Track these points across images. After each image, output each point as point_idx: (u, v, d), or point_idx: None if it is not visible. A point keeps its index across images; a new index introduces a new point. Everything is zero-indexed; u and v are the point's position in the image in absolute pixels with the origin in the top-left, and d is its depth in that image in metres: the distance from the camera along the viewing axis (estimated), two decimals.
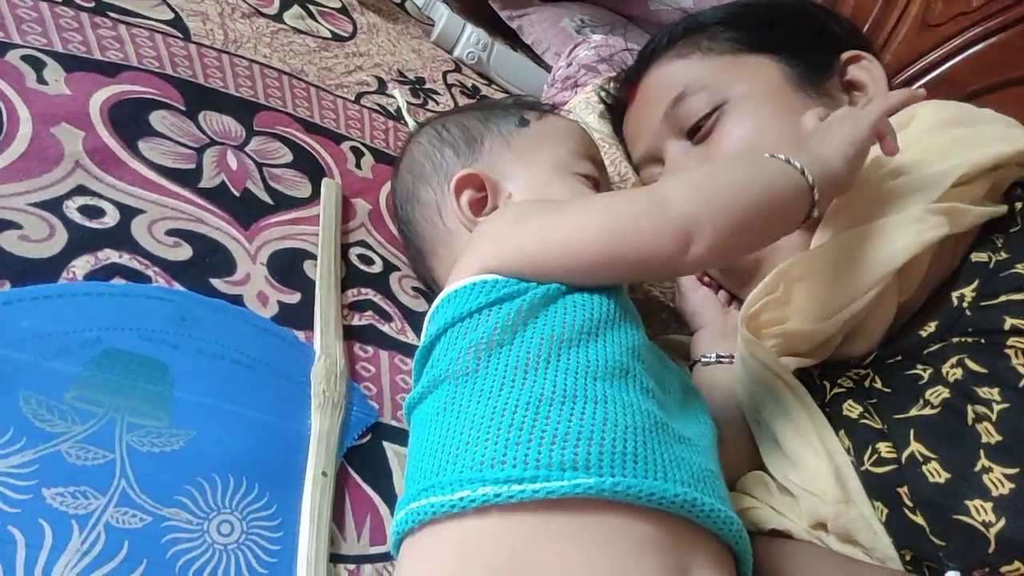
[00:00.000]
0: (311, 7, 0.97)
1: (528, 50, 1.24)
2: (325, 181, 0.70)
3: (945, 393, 0.49)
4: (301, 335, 0.56)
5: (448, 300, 0.48)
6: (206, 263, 0.56)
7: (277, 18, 0.90)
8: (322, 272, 0.61)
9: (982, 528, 0.43)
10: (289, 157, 0.70)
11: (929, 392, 0.50)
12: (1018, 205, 0.56)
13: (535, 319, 0.45)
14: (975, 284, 0.52)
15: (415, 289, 0.68)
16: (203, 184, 0.61)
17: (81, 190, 0.54)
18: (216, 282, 0.55)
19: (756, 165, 0.50)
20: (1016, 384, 0.46)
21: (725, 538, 0.42)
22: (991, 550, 0.43)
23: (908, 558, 0.49)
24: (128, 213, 0.55)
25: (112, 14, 0.71)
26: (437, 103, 0.98)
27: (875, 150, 0.55)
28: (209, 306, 0.52)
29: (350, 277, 0.64)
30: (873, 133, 0.53)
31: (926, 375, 0.51)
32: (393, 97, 0.92)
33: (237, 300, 0.55)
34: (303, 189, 0.68)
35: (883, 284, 0.53)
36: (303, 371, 0.53)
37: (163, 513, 0.40)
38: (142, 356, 0.46)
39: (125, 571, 0.37)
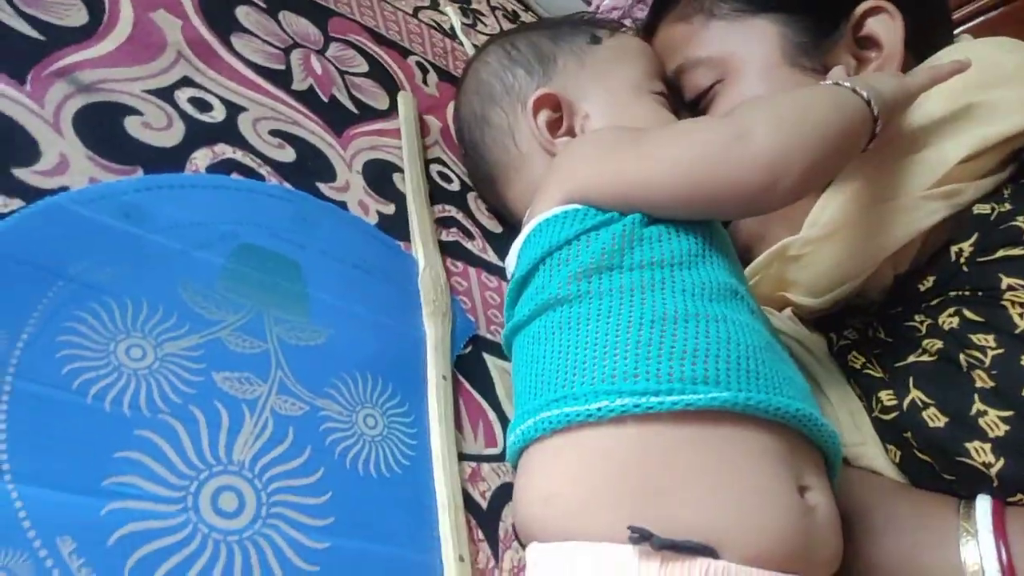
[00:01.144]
0: None
1: None
2: (401, 94, 0.69)
3: (939, 343, 0.51)
4: (402, 245, 0.57)
5: (540, 229, 0.48)
6: (309, 167, 0.55)
7: None
8: (412, 186, 0.61)
9: (983, 468, 0.47)
10: (365, 67, 0.69)
11: (926, 342, 0.52)
12: None
13: (639, 243, 0.46)
14: (974, 238, 0.53)
15: (489, 210, 0.68)
16: (295, 86, 0.60)
17: (187, 81, 0.52)
18: (322, 186, 0.55)
19: (831, 96, 0.49)
20: (1012, 331, 0.48)
21: (826, 450, 0.46)
22: (995, 486, 0.47)
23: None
24: (233, 109, 0.54)
25: None
26: (485, 24, 0.96)
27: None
28: (325, 209, 0.52)
29: (434, 193, 0.64)
30: (918, 94, 0.53)
31: (924, 327, 0.53)
32: (446, 15, 0.90)
33: (343, 206, 0.55)
34: (381, 100, 0.68)
35: (874, 268, 0.56)
36: (411, 280, 0.54)
37: (317, 404, 0.42)
38: (276, 254, 0.46)
39: (293, 455, 0.39)
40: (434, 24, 0.86)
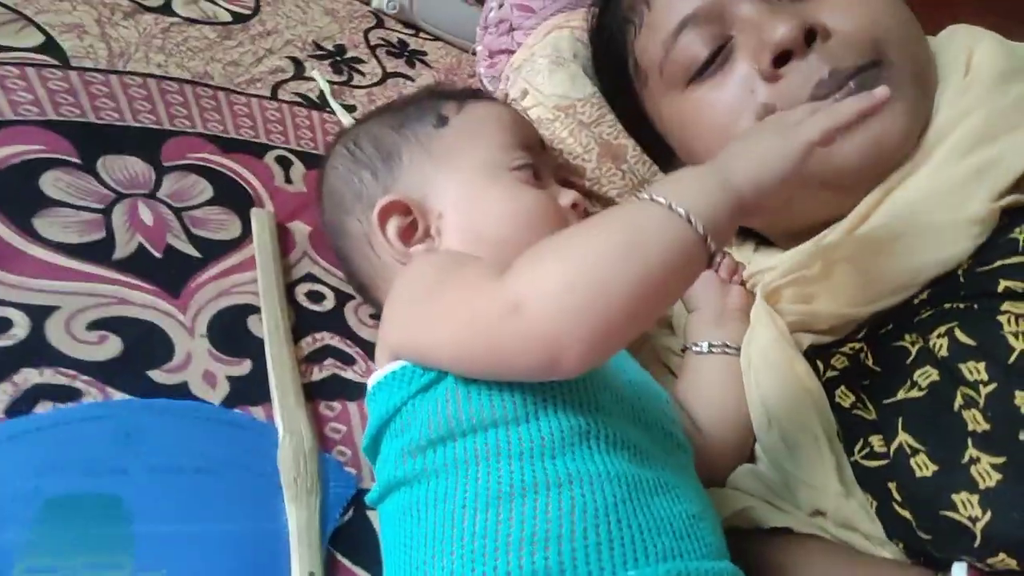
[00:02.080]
0: None
1: None
2: (254, 212, 0.64)
3: (934, 375, 0.47)
4: (260, 412, 0.52)
5: (375, 392, 0.45)
6: (140, 353, 0.51)
7: (165, 9, 0.80)
8: (269, 329, 0.56)
9: (968, 523, 0.42)
10: (209, 192, 0.64)
11: (918, 373, 0.48)
12: None
13: (467, 402, 0.41)
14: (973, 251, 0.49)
15: (374, 317, 0.63)
16: (118, 255, 0.55)
17: None
18: (155, 374, 0.50)
19: (631, 233, 0.38)
20: (1005, 360, 0.44)
21: None
22: (976, 544, 0.42)
23: (900, 546, 0.49)
24: (39, 316, 0.49)
25: None
26: (363, 74, 0.89)
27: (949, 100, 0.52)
28: (153, 410, 0.48)
29: (301, 322, 0.59)
30: (805, 154, 0.42)
31: (914, 350, 0.49)
32: (313, 79, 0.83)
33: (182, 389, 0.50)
34: (232, 228, 0.62)
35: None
36: (270, 458, 0.49)
37: None
38: (90, 496, 0.42)
39: None
40: (298, 98, 0.80)
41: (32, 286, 0.50)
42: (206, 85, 0.73)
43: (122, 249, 0.56)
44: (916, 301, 0.51)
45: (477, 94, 0.64)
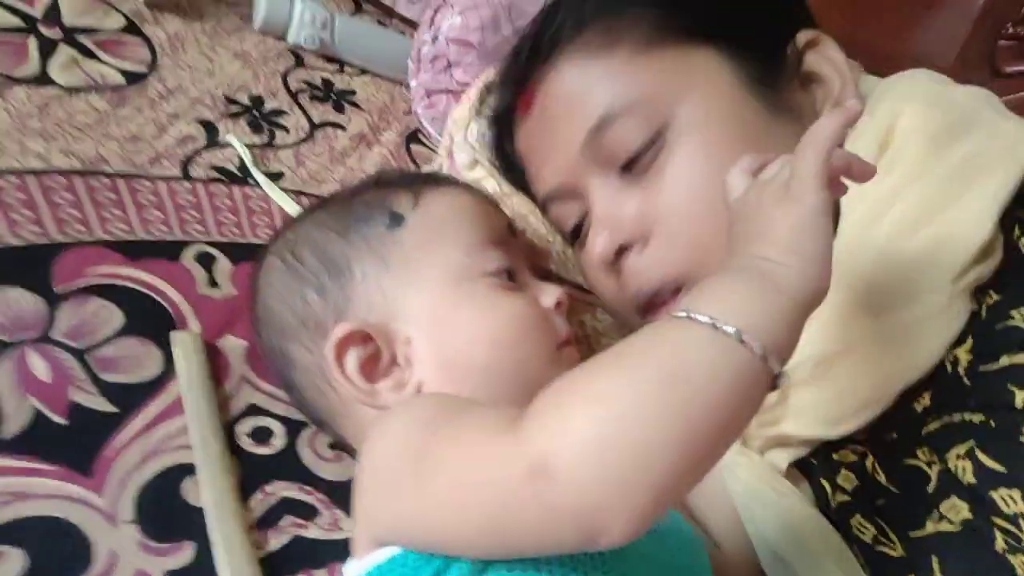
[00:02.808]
0: (84, 39, 0.73)
1: (375, 2, 1.02)
2: (174, 337, 0.53)
3: (964, 510, 0.42)
4: None
5: None
6: (49, 569, 0.40)
7: (41, 79, 0.67)
8: (210, 497, 0.47)
9: None
10: (118, 320, 0.53)
11: (945, 505, 0.43)
12: (1016, 233, 0.46)
13: None
14: (969, 343, 0.44)
15: (333, 447, 0.54)
16: (8, 431, 0.44)
17: None
18: None
19: (671, 363, 0.30)
20: None
21: None
22: None
23: None
24: None
25: None
26: (287, 130, 0.78)
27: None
28: None
29: (247, 472, 0.50)
30: (825, 189, 0.35)
31: (933, 473, 0.44)
32: (230, 146, 0.72)
33: None
34: (151, 363, 0.52)
35: (906, 387, 0.44)
36: None
37: None
38: None
39: None
40: (215, 172, 0.68)
41: None
42: (101, 174, 0.61)
43: (12, 424, 0.45)
44: (919, 408, 0.46)
45: (432, 179, 0.55)
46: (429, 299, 0.46)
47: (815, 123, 0.36)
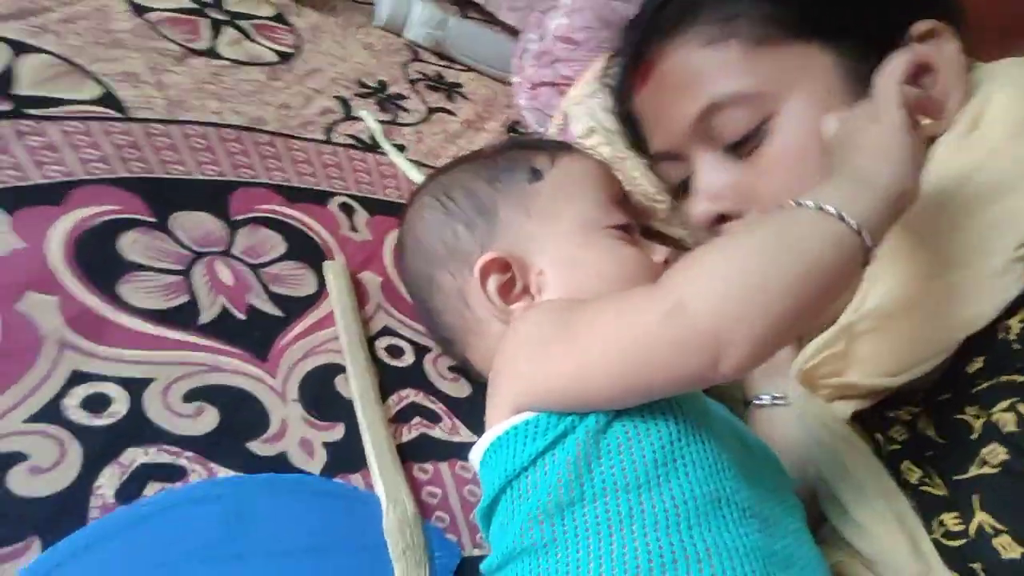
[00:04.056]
0: (243, 23, 0.85)
1: (478, 8, 1.13)
2: (327, 265, 0.63)
3: (1003, 454, 0.46)
4: (359, 479, 0.51)
5: (494, 450, 0.43)
6: (237, 424, 0.49)
7: (212, 53, 0.78)
8: (360, 392, 0.55)
9: None
10: (282, 247, 0.62)
11: (986, 451, 0.47)
12: None
13: (597, 462, 0.40)
14: (1021, 314, 0.47)
15: (452, 369, 0.62)
16: (204, 318, 0.54)
17: (78, 378, 0.46)
18: (254, 446, 0.49)
19: (784, 232, 0.40)
20: None
21: None
22: None
23: None
24: (137, 389, 0.48)
25: (33, 111, 0.60)
26: (407, 111, 0.88)
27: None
28: (260, 487, 0.46)
29: (385, 379, 0.58)
30: (902, 108, 0.43)
31: (977, 424, 0.48)
32: (360, 119, 0.82)
33: (282, 461, 0.49)
34: (308, 283, 0.61)
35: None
36: (376, 530, 0.48)
37: None
38: None
39: None
40: (352, 140, 0.79)
41: (126, 357, 0.49)
42: (263, 131, 0.72)
43: (207, 313, 0.54)
44: (971, 370, 0.50)
45: (565, 146, 0.63)
46: (562, 241, 0.54)
47: (890, 59, 0.44)
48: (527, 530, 0.40)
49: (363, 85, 0.88)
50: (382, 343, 0.61)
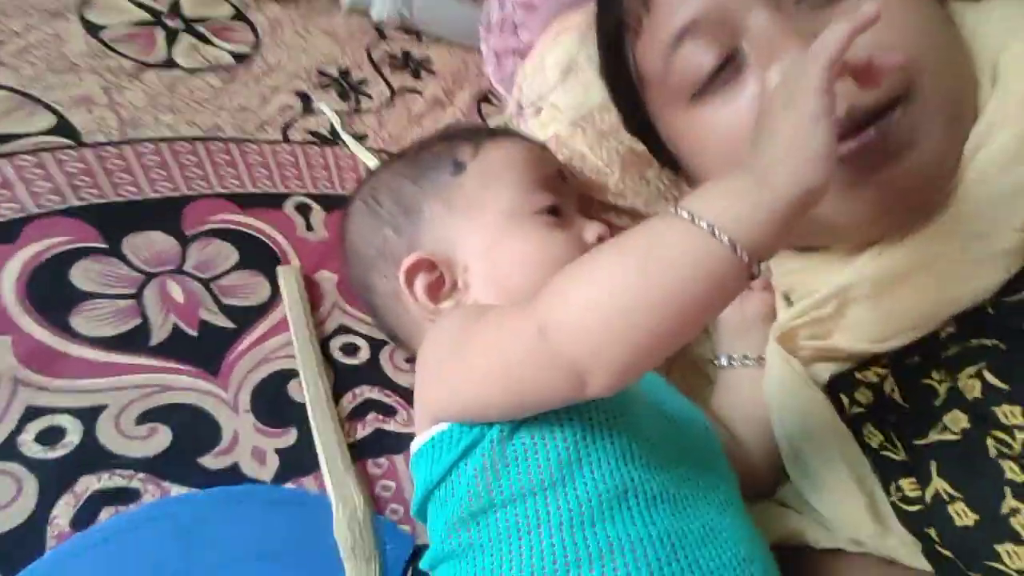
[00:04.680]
0: (200, 27, 0.85)
1: None
2: (280, 270, 0.64)
3: (964, 421, 0.45)
4: (311, 481, 0.53)
5: (418, 459, 0.45)
6: (189, 441, 0.52)
7: (168, 64, 0.79)
8: (310, 394, 0.57)
9: (1016, 575, 0.41)
10: (234, 256, 0.64)
11: (948, 417, 0.46)
12: None
13: (505, 470, 0.41)
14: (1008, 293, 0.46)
15: (408, 361, 0.63)
16: (155, 339, 0.56)
17: (32, 413, 0.50)
18: (206, 460, 0.51)
19: (652, 250, 0.36)
20: None
21: None
22: None
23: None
24: (89, 417, 0.51)
25: None
26: (370, 97, 0.88)
27: None
28: (211, 502, 0.49)
29: (339, 378, 0.60)
30: (824, 95, 0.36)
31: (942, 389, 0.47)
32: (322, 112, 0.82)
33: (234, 472, 0.52)
34: (261, 290, 0.63)
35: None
36: (328, 531, 0.51)
37: None
38: None
39: None
40: (310, 136, 0.79)
41: (79, 387, 0.52)
42: (218, 139, 0.73)
43: (158, 333, 0.57)
44: (943, 334, 0.48)
45: (491, 133, 0.62)
46: (485, 233, 0.54)
47: (827, 29, 0.37)
48: (447, 536, 0.42)
49: (324, 75, 0.88)
50: (337, 342, 0.63)
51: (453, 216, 0.55)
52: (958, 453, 0.45)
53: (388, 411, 0.60)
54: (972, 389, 0.45)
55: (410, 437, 0.57)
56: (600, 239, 0.56)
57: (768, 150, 0.38)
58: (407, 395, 0.61)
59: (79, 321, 0.55)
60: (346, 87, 0.88)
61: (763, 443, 0.55)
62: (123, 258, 0.60)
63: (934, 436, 0.46)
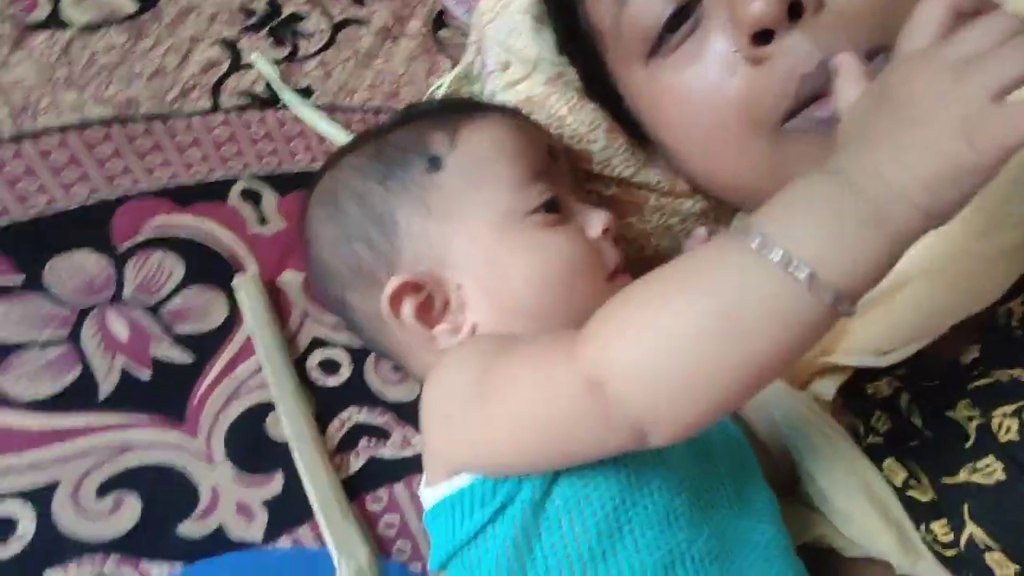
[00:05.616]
0: None
1: None
2: (236, 284, 0.56)
3: (1000, 471, 0.42)
4: (307, 532, 0.48)
5: (436, 515, 0.40)
6: (163, 508, 0.46)
7: (54, 19, 0.65)
8: (291, 431, 0.51)
9: None
10: (180, 270, 0.55)
11: (981, 462, 0.43)
12: None
13: (538, 540, 0.37)
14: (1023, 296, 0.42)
15: (397, 369, 0.57)
16: (103, 391, 0.49)
17: None
18: (186, 528, 0.46)
19: (722, 293, 0.30)
20: None
21: None
22: None
23: None
24: (42, 499, 0.44)
25: None
26: (308, 37, 0.75)
27: None
28: None
29: (321, 404, 0.54)
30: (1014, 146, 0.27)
31: (972, 428, 0.43)
32: (253, 66, 0.70)
33: (219, 537, 0.46)
34: (217, 309, 0.55)
35: (959, 320, 0.43)
36: None
37: None
38: None
39: None
40: (246, 98, 0.68)
41: (23, 464, 0.45)
42: (134, 119, 0.62)
43: (106, 384, 0.49)
44: (967, 359, 0.45)
45: (468, 111, 0.52)
46: (475, 244, 0.46)
47: None
48: None
49: (249, 13, 0.74)
50: (314, 359, 0.56)
51: (434, 224, 0.46)
52: (992, 499, 0.42)
53: (380, 434, 0.54)
54: (1008, 431, 0.42)
55: (407, 462, 0.53)
56: (606, 231, 0.49)
57: (895, 171, 0.29)
58: (399, 411, 0.55)
59: (7, 381, 0.47)
60: (278, 27, 0.75)
61: (780, 450, 0.52)
62: (46, 292, 0.51)
63: (964, 476, 0.43)
